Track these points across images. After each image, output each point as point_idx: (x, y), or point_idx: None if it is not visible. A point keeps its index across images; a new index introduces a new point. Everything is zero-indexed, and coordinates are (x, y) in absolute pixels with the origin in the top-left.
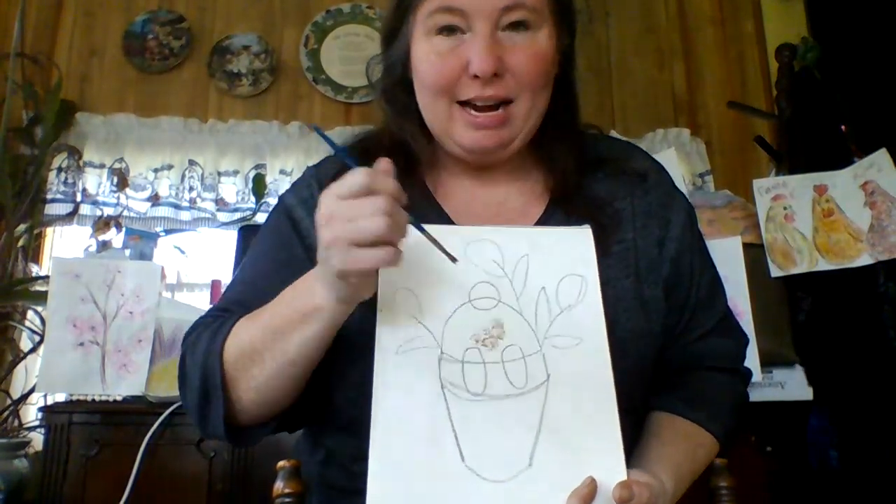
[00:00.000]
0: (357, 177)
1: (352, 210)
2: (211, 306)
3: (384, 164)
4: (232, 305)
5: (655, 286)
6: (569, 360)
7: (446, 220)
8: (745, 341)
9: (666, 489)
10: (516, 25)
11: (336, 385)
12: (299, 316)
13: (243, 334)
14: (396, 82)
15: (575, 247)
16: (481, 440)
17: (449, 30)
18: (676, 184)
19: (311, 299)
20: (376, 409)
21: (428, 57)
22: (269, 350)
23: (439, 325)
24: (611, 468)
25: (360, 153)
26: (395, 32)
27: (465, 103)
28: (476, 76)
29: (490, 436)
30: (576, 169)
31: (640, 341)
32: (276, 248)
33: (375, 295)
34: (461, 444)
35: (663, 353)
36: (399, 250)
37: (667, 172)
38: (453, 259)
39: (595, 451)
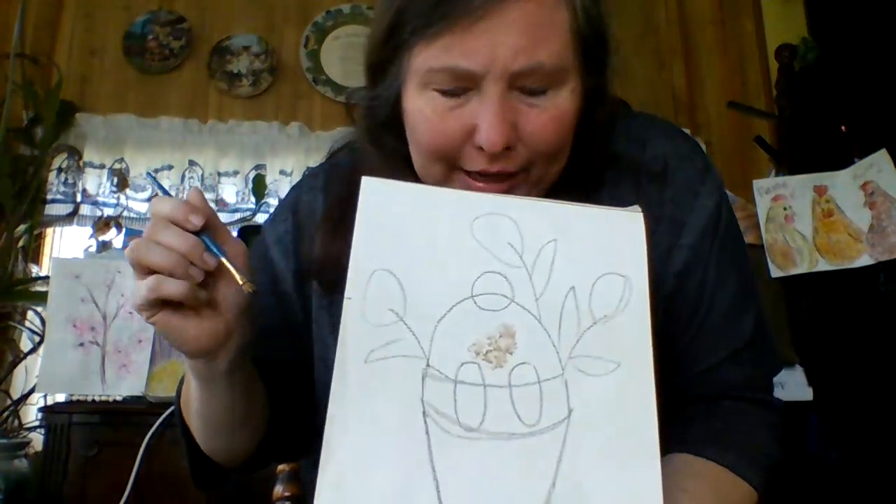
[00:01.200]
0: (152, 206)
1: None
2: None
3: (192, 193)
4: None
5: (658, 310)
6: (600, 390)
7: None
8: (774, 370)
9: None
10: (532, 91)
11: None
12: (188, 371)
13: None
14: (382, 124)
15: (620, 235)
16: (472, 495)
17: (453, 92)
18: None
19: None
20: (329, 442)
21: (424, 114)
22: (192, 399)
23: (428, 327)
24: None
25: (347, 188)
26: (383, 66)
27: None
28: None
29: (485, 490)
30: (578, 184)
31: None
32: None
33: None
34: (443, 498)
35: (672, 382)
36: (182, 282)
37: (698, 154)
38: (249, 288)
39: None
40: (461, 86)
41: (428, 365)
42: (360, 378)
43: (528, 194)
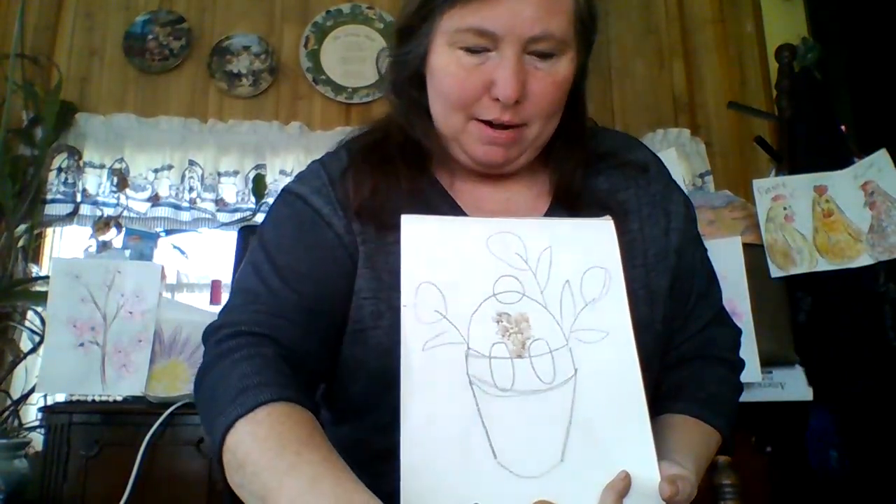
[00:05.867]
0: None
1: None
2: (245, 296)
3: None
4: (281, 290)
5: (663, 276)
6: (596, 354)
7: (462, 215)
8: (740, 332)
9: (693, 478)
10: (542, 54)
11: (353, 379)
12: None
13: (245, 438)
14: (408, 78)
15: (597, 239)
16: (512, 436)
17: (476, 49)
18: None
19: None
20: (405, 409)
21: (450, 69)
22: (250, 491)
23: (465, 320)
24: (643, 461)
25: (371, 147)
26: (412, 30)
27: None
28: (497, 99)
29: (521, 431)
30: (579, 166)
31: (644, 331)
32: (304, 233)
33: (397, 290)
34: (492, 440)
35: (668, 344)
36: None
37: (665, 165)
38: None
39: (626, 444)
40: (483, 45)
41: (468, 348)
42: (420, 362)
43: (530, 148)
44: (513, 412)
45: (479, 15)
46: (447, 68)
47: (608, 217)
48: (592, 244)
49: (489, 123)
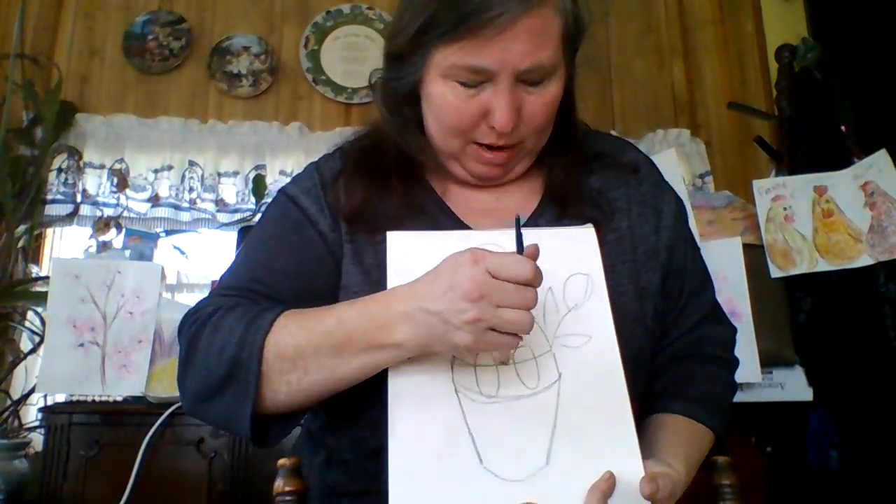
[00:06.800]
0: (522, 267)
1: (505, 296)
2: (219, 286)
3: (534, 250)
4: (252, 284)
5: (653, 272)
6: (579, 358)
7: (456, 220)
8: (735, 330)
9: (680, 476)
10: (533, 82)
11: None
12: (371, 344)
13: (287, 338)
14: (402, 97)
15: (579, 246)
16: (498, 441)
17: (471, 84)
18: (675, 185)
19: (392, 334)
20: (392, 417)
21: (447, 99)
22: (319, 364)
23: None
24: (627, 461)
25: (364, 156)
26: (405, 56)
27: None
28: (494, 127)
29: (506, 437)
30: (569, 166)
31: (634, 326)
32: (288, 232)
33: (385, 286)
34: (478, 446)
35: (660, 342)
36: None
37: (656, 166)
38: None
39: (611, 445)
40: (478, 79)
41: (454, 357)
42: (408, 371)
43: (523, 162)
44: (498, 418)
45: (473, 54)
46: (444, 98)
47: (589, 225)
48: (574, 252)
49: (487, 145)
